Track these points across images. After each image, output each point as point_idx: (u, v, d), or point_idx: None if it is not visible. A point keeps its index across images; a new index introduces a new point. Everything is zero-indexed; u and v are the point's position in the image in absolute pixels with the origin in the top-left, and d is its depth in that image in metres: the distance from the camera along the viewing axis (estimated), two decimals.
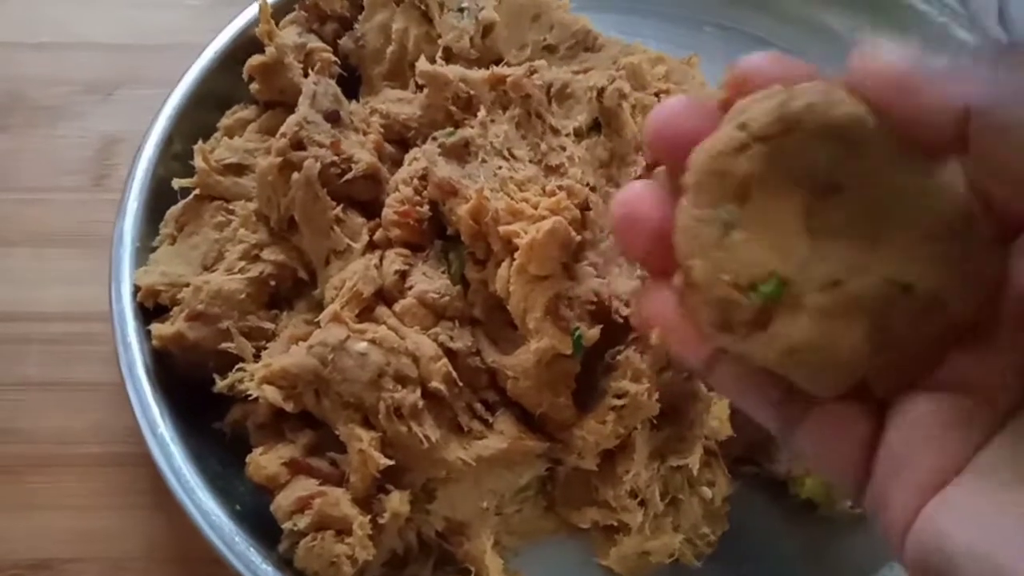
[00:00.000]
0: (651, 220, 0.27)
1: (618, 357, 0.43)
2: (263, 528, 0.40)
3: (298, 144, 0.45)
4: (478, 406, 0.43)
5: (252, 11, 0.54)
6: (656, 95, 0.49)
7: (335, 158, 0.45)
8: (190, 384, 0.44)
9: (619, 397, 0.42)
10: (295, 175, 0.44)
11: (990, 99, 0.22)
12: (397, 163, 0.48)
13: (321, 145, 0.45)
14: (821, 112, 0.24)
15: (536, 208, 0.42)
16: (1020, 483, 0.22)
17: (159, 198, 0.49)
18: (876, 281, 0.24)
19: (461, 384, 0.42)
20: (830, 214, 0.25)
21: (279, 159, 0.45)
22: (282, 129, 0.45)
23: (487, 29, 0.51)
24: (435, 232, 0.46)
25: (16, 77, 0.64)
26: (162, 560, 0.46)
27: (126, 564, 0.46)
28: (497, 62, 0.50)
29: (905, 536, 0.24)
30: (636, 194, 0.28)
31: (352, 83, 0.54)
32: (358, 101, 0.52)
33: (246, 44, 0.53)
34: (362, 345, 0.40)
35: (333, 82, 0.49)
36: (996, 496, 0.23)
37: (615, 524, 0.44)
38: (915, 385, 0.25)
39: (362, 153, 0.46)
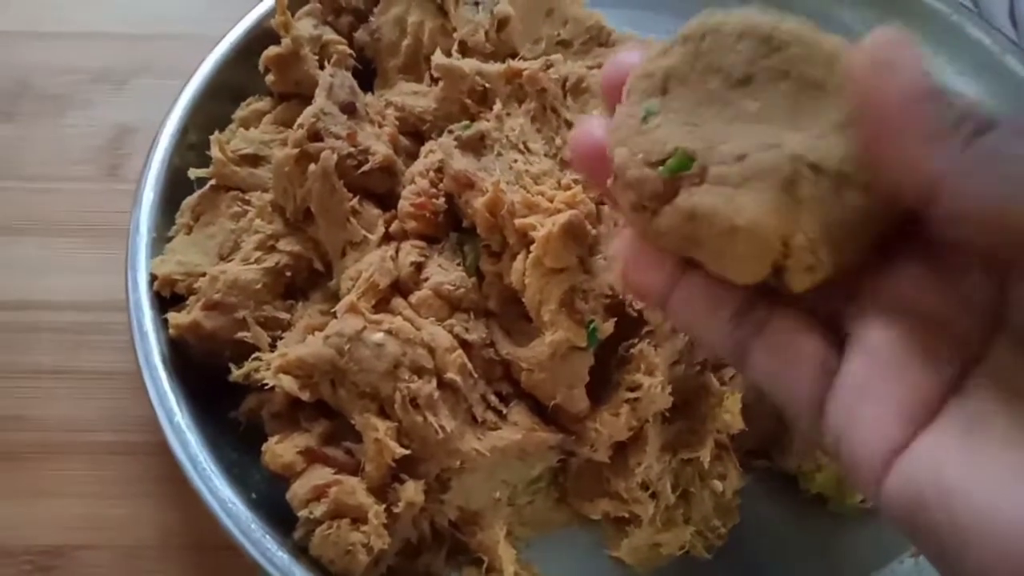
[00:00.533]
0: (598, 134, 0.30)
1: (632, 350, 0.43)
2: (278, 516, 0.40)
3: (315, 135, 0.45)
4: (492, 397, 0.43)
5: (267, 3, 0.55)
6: None
7: (351, 149, 0.45)
8: (206, 373, 0.44)
9: (632, 390, 0.42)
10: (312, 166, 0.44)
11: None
12: (412, 156, 0.49)
13: (338, 137, 0.45)
14: (741, 19, 0.26)
15: (552, 201, 0.43)
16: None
17: (175, 188, 0.49)
18: (783, 156, 0.24)
19: (476, 375, 0.42)
20: (745, 104, 0.26)
21: (296, 150, 0.45)
22: (299, 120, 0.45)
23: (502, 23, 0.51)
24: (450, 224, 0.46)
25: (24, 66, 0.64)
26: (174, 548, 0.46)
27: (138, 552, 0.46)
28: (512, 56, 0.50)
29: (881, 479, 0.23)
30: (592, 120, 0.31)
31: (367, 76, 0.54)
32: (373, 94, 0.52)
33: (261, 36, 0.53)
34: (378, 336, 0.41)
35: (349, 74, 0.49)
36: (1003, 457, 0.21)
37: (626, 516, 0.44)
38: (869, 308, 0.25)
39: (378, 145, 0.46)
